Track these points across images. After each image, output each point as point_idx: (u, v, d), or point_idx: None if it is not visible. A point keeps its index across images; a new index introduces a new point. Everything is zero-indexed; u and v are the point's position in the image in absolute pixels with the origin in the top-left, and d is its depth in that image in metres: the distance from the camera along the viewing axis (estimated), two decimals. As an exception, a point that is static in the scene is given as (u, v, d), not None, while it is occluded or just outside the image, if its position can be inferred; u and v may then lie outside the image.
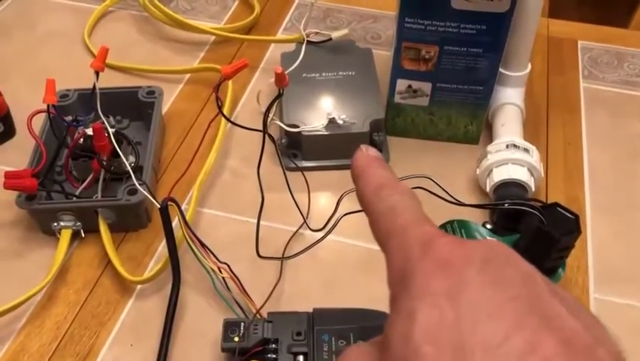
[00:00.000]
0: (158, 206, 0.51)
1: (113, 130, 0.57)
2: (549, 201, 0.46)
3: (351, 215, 0.49)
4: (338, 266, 0.56)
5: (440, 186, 0.48)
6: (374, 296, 0.55)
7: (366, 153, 0.31)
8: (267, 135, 0.51)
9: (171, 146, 0.67)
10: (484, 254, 0.24)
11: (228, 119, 0.49)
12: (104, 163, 0.56)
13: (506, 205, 0.48)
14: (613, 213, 0.61)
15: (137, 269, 0.55)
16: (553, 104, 0.72)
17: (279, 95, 0.48)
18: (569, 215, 0.45)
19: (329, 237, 0.58)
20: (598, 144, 0.68)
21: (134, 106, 0.65)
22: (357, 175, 0.30)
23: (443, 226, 0.52)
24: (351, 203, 0.58)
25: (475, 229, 0.50)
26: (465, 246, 0.24)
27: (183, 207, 0.59)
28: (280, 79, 0.46)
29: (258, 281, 0.53)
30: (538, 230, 0.44)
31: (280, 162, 0.54)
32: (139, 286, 0.54)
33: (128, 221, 0.57)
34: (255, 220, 0.56)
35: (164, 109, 0.71)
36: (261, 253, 0.52)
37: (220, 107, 0.48)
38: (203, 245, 0.52)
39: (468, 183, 0.63)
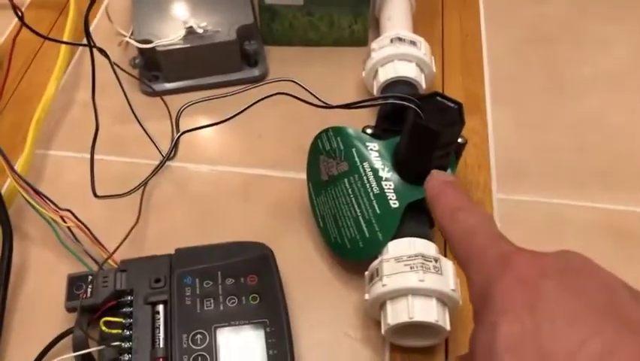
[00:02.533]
0: (-29, 150, 0.42)
1: None
2: (430, 91, 0.40)
3: (213, 142, 0.42)
4: (211, 198, 0.49)
5: (306, 89, 0.41)
6: (252, 227, 0.48)
7: (438, 177, 0.35)
8: (96, 51, 0.42)
9: (9, 82, 0.56)
10: (560, 266, 0.25)
11: (34, 31, 0.39)
12: None
13: (378, 102, 0.41)
14: (514, 104, 0.55)
15: (-31, 229, 0.46)
16: (449, -7, 0.65)
17: (94, -3, 0.39)
18: (450, 104, 0.38)
19: (199, 167, 0.50)
20: (497, 32, 0.61)
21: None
22: (432, 201, 0.34)
23: (318, 137, 0.45)
24: (195, 121, 0.50)
25: (353, 135, 0.43)
26: (541, 259, 0.26)
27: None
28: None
29: (117, 227, 0.45)
30: (416, 125, 0.37)
31: (120, 85, 0.44)
32: (-29, 249, 0.45)
33: (-48, 174, 0.47)
34: (109, 158, 0.48)
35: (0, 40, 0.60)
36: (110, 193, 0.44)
37: (20, 18, 0.38)
38: (37, 192, 0.43)
39: (358, 89, 0.56)
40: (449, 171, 0.41)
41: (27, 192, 0.43)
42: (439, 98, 0.38)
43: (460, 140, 0.42)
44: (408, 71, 0.50)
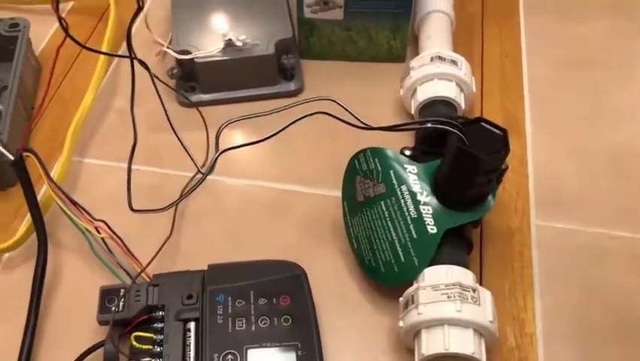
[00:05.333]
0: (11, 158, 0.42)
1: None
2: (475, 117, 0.39)
3: (247, 155, 0.42)
4: (244, 213, 0.48)
5: (347, 110, 0.41)
6: (284, 243, 0.47)
7: None
8: (135, 61, 0.41)
9: (49, 88, 0.57)
10: None
11: (77, 42, 0.39)
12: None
13: (421, 125, 0.40)
14: (554, 128, 0.54)
15: (4, 235, 0.46)
16: (489, 11, 0.64)
17: (139, 9, 0.39)
18: (495, 131, 0.37)
19: (232, 181, 0.50)
20: (538, 52, 0.60)
21: (-3, 43, 0.54)
22: None
23: (355, 157, 0.44)
24: (239, 139, 0.50)
25: (391, 157, 0.42)
26: None
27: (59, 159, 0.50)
28: (135, -13, 0.37)
29: (150, 239, 0.45)
30: (459, 151, 0.37)
31: (158, 96, 0.44)
32: (6, 255, 0.46)
33: (-13, 179, 0.48)
34: (145, 168, 0.48)
35: (41, 45, 0.60)
36: (149, 207, 0.44)
37: (65, 29, 0.38)
38: (73, 202, 0.43)
39: (394, 106, 0.55)
40: (490, 197, 0.40)
41: (63, 201, 0.43)
42: (483, 124, 0.38)
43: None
44: (448, 90, 0.49)
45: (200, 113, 0.52)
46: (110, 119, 0.54)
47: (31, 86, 0.55)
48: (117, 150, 0.52)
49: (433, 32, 0.55)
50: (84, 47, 0.40)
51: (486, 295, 0.38)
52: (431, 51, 0.51)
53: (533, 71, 0.58)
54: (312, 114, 0.40)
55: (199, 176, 0.48)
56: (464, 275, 0.39)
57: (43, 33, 0.61)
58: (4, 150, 0.43)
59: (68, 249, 0.46)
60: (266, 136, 0.40)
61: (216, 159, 0.39)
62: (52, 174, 0.46)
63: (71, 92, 0.56)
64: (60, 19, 0.37)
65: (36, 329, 0.41)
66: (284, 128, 0.39)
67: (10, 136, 0.47)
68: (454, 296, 0.37)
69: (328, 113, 0.40)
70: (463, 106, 0.50)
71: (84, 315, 0.42)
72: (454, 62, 0.50)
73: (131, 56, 0.41)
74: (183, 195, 0.43)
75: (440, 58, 0.50)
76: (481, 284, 0.43)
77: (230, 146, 0.41)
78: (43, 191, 0.48)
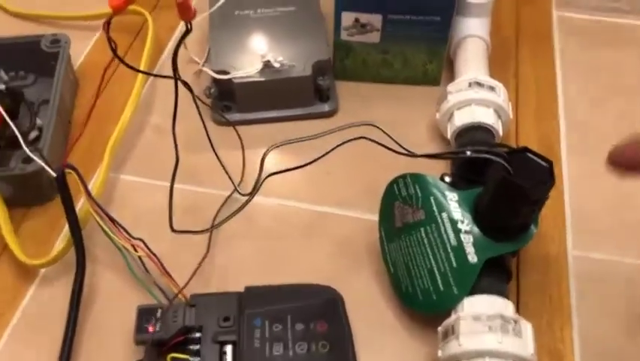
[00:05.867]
0: (53, 175, 0.42)
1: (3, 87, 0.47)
2: (519, 146, 0.38)
3: (281, 175, 0.42)
4: (279, 234, 0.48)
5: (388, 135, 0.41)
6: (318, 266, 0.47)
7: None
8: (179, 82, 0.42)
9: (86, 103, 0.57)
10: None
11: (122, 60, 0.39)
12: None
13: (466, 153, 0.40)
14: (590, 154, 0.53)
15: (42, 249, 0.47)
16: (523, 36, 0.64)
17: (187, 32, 0.39)
18: (541, 162, 0.37)
19: (267, 200, 0.50)
20: (573, 78, 0.60)
21: (38, 59, 0.55)
22: None
23: (395, 182, 0.44)
24: (278, 160, 0.50)
25: (431, 183, 0.42)
26: None
27: (96, 174, 0.51)
28: (184, 10, 0.37)
29: (185, 259, 0.45)
30: (504, 181, 0.36)
31: (200, 116, 0.45)
32: (42, 270, 0.46)
33: (29, 194, 0.48)
34: (182, 186, 0.48)
35: (78, 61, 0.61)
36: (186, 226, 0.44)
37: (114, 49, 0.38)
38: (112, 219, 0.43)
39: (429, 130, 0.55)
40: (532, 227, 0.40)
41: (101, 217, 0.43)
42: (529, 154, 0.37)
43: (542, 195, 0.41)
44: (486, 117, 0.49)
45: (237, 132, 0.52)
46: (147, 135, 0.55)
47: (69, 101, 0.56)
48: (154, 167, 0.52)
49: (469, 57, 0.55)
50: (136, 69, 0.40)
51: (527, 327, 0.38)
52: (468, 76, 0.51)
53: (569, 96, 0.58)
54: (354, 139, 0.40)
55: (236, 195, 0.48)
56: (505, 306, 0.38)
57: (81, 48, 0.62)
58: (45, 166, 0.43)
59: (105, 266, 0.46)
60: (308, 161, 0.40)
61: (262, 182, 0.39)
62: (92, 189, 0.47)
63: (108, 107, 0.57)
64: (110, 40, 0.38)
65: (73, 345, 0.41)
66: (327, 153, 0.39)
67: (49, 151, 0.47)
68: (496, 328, 0.36)
69: (370, 138, 0.40)
70: (500, 133, 0.50)
71: (119, 333, 0.42)
72: (492, 88, 0.50)
73: (176, 77, 0.41)
74: (227, 218, 0.43)
75: (478, 84, 0.50)
76: (517, 313, 0.43)
77: (274, 171, 0.41)
78: (80, 205, 0.48)
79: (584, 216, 0.49)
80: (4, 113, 0.45)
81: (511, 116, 0.51)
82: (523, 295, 0.45)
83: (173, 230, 0.42)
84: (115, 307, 0.44)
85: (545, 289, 0.45)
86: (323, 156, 0.39)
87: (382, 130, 0.41)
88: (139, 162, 0.53)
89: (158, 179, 0.51)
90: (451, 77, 0.57)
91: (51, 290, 0.45)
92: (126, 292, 0.45)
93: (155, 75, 0.42)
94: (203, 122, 0.45)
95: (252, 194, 0.40)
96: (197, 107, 0.44)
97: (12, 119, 0.49)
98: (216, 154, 0.45)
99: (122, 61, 0.38)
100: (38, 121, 0.51)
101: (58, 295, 0.44)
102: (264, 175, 0.39)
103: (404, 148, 0.39)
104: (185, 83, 0.43)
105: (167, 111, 0.47)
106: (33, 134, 0.51)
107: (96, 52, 0.62)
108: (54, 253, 0.44)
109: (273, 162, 0.49)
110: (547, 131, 0.55)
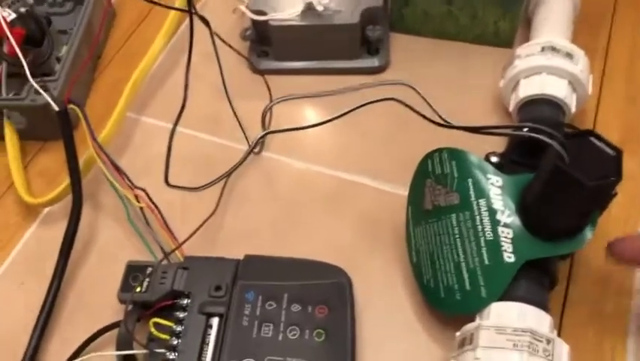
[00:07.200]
0: (56, 109, 0.39)
1: (19, 11, 0.44)
2: (583, 129, 0.31)
3: (310, 134, 0.36)
4: (297, 200, 0.43)
5: (426, 100, 0.34)
6: (336, 242, 0.41)
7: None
8: (195, 17, 0.37)
9: (119, 36, 0.54)
10: None
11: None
12: (5, 54, 0.43)
13: (513, 131, 0.33)
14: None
15: (50, 187, 0.44)
16: (626, -4, 0.54)
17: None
18: (607, 150, 0.29)
19: (290, 161, 0.45)
20: (680, 52, 0.49)
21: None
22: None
23: (429, 156, 0.37)
24: (293, 112, 0.44)
25: (472, 163, 0.35)
26: None
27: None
28: None
29: (192, 213, 0.41)
30: (557, 170, 0.29)
31: (217, 58, 0.40)
32: (46, 210, 0.44)
33: (43, 127, 0.45)
34: (207, 136, 0.44)
35: (121, -10, 0.57)
36: (197, 178, 0.40)
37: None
38: (114, 165, 0.40)
39: (492, 100, 0.47)
40: (588, 229, 0.32)
41: (104, 162, 0.40)
42: (593, 139, 0.30)
43: (609, 191, 0.33)
44: (557, 89, 0.41)
45: (266, 82, 0.47)
46: (177, 78, 0.50)
47: (103, 33, 0.52)
48: (175, 111, 0.48)
49: (549, 15, 0.46)
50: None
51: (562, 349, 0.31)
52: (543, 39, 0.43)
53: (671, 74, 0.48)
54: (382, 100, 0.33)
55: (253, 151, 0.43)
56: (539, 320, 0.32)
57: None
58: (49, 99, 0.40)
59: (107, 213, 0.43)
60: (325, 119, 0.34)
61: (261, 138, 0.34)
62: (105, 129, 0.44)
63: (142, 44, 0.52)
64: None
65: (58, 294, 0.38)
66: (345, 113, 0.33)
67: (65, 84, 0.44)
68: (522, 346, 0.30)
69: (402, 101, 0.33)
70: (573, 109, 0.41)
71: (111, 286, 0.38)
72: (569, 55, 0.42)
73: (190, 10, 0.36)
74: (227, 172, 0.38)
75: (553, 49, 0.42)
76: (560, 327, 0.36)
77: (281, 128, 0.35)
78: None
79: (665, 221, 0.41)
80: (11, 37, 0.41)
81: (590, 91, 0.43)
82: (571, 305, 0.37)
83: (168, 184, 0.38)
84: (110, 259, 0.41)
85: (599, 302, 0.37)
86: (340, 116, 0.34)
87: (420, 94, 0.34)
88: (163, 105, 0.49)
89: (180, 124, 0.47)
90: (527, 39, 0.48)
91: (51, 232, 0.42)
92: (125, 243, 0.41)
93: (167, 7, 0.37)
94: (220, 67, 0.40)
95: (250, 150, 0.34)
96: (215, 47, 0.39)
97: (35, 46, 0.46)
98: (231, 104, 0.41)
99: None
100: (62, 51, 0.48)
101: (58, 237, 0.41)
102: (264, 132, 0.34)
103: (440, 116, 0.32)
104: (203, 18, 0.38)
105: (205, 50, 0.42)
106: (57, 66, 0.48)
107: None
108: (54, 193, 0.41)
109: (294, 116, 0.43)
110: (636, 115, 0.46)
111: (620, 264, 0.34)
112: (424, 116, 0.33)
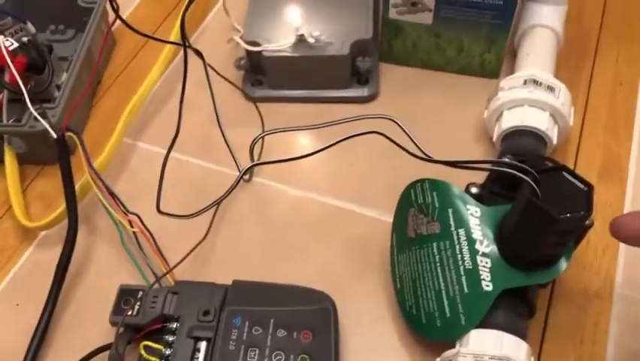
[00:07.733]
0: (54, 136, 0.41)
1: (22, 40, 0.46)
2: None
3: (302, 163, 0.38)
4: (287, 224, 0.45)
5: (407, 133, 0.35)
6: (325, 266, 0.42)
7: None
8: (188, 49, 0.39)
9: (118, 63, 0.56)
10: None
11: (119, 17, 0.36)
12: (6, 82, 0.45)
13: (489, 166, 0.34)
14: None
15: (47, 211, 0.46)
16: (609, 30, 0.55)
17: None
18: (579, 185, 0.31)
19: (283, 188, 0.46)
20: (661, 85, 0.51)
21: (75, 13, 0.54)
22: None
23: (412, 186, 0.38)
24: (300, 145, 0.46)
25: (452, 193, 0.36)
26: None
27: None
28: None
29: (186, 240, 0.42)
30: (529, 203, 0.30)
31: (210, 88, 0.41)
32: (42, 233, 0.45)
33: (42, 152, 0.47)
34: (200, 162, 0.46)
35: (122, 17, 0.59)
36: (190, 204, 0.41)
37: (115, 10, 0.36)
38: (109, 191, 0.41)
39: (477, 129, 0.49)
40: (562, 260, 0.34)
41: (99, 188, 0.41)
42: (565, 173, 0.31)
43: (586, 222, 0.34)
44: (538, 121, 0.42)
45: (258, 109, 0.49)
46: (173, 105, 0.52)
47: (102, 60, 0.54)
48: (171, 138, 0.49)
49: (533, 50, 0.48)
50: (136, 31, 0.37)
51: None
52: (526, 72, 0.45)
53: (650, 106, 0.50)
54: (366, 133, 0.35)
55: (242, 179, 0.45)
56: (516, 348, 0.33)
57: (127, 3, 0.60)
58: (47, 126, 0.41)
59: (102, 237, 0.44)
60: (313, 150, 0.36)
61: (248, 170, 0.35)
62: (102, 154, 0.45)
63: (141, 72, 0.54)
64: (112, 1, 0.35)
65: (52, 315, 0.39)
66: (332, 144, 0.35)
67: (65, 110, 0.46)
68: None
69: (385, 135, 0.35)
70: (554, 141, 0.43)
71: (103, 308, 0.40)
72: (550, 89, 0.43)
73: (185, 44, 0.38)
74: (217, 200, 0.40)
75: (535, 82, 0.43)
76: (539, 353, 0.37)
77: (270, 159, 0.37)
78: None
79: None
80: (12, 66, 0.43)
81: (572, 123, 0.44)
82: (551, 332, 0.38)
83: (159, 211, 0.39)
84: (103, 282, 0.42)
85: (578, 329, 0.39)
86: (320, 150, 0.36)
87: (402, 127, 0.36)
88: (159, 131, 0.51)
89: (175, 150, 0.49)
90: (513, 71, 0.50)
91: (47, 255, 0.44)
92: (119, 267, 0.43)
93: (163, 41, 0.39)
94: (212, 94, 0.42)
95: (240, 178, 0.36)
96: (208, 77, 0.41)
97: (37, 73, 0.48)
98: (222, 130, 0.42)
99: (119, 17, 0.35)
100: (63, 77, 0.50)
101: (53, 261, 0.42)
102: (251, 164, 0.35)
103: (421, 150, 0.34)
104: (197, 51, 0.40)
105: (198, 79, 0.44)
106: (56, 92, 0.49)
107: (143, 7, 0.60)
108: (50, 218, 0.43)
109: (285, 145, 0.45)
110: (616, 146, 0.48)
111: (621, 241, 0.32)
112: (406, 150, 0.34)
